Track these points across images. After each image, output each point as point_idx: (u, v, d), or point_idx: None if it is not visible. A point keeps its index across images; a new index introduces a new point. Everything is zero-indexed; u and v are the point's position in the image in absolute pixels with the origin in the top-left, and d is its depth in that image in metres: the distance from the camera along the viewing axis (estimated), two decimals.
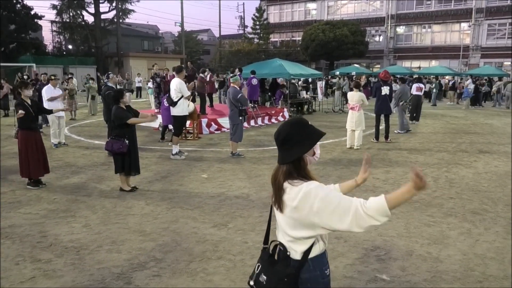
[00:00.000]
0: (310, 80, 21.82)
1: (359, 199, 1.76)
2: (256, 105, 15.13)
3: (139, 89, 26.26)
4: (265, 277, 1.99)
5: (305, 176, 1.89)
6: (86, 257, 4.06)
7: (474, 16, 34.38)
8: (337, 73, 31.21)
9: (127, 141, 6.01)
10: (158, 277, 3.69)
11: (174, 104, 8.42)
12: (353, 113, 9.49)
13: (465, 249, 4.29)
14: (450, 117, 16.90)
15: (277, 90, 17.42)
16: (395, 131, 11.96)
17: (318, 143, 1.98)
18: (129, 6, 39.57)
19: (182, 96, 8.39)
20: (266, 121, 14.42)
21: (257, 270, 2.04)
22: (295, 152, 1.88)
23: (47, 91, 9.66)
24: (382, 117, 10.57)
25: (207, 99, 14.58)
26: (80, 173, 7.43)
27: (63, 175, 7.28)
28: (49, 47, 39.71)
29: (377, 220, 1.72)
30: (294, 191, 1.85)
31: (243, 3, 66.35)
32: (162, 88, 13.19)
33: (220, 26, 46.20)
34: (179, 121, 8.61)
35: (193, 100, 12.21)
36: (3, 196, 6.08)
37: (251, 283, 2.05)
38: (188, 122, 11.27)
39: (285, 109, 15.99)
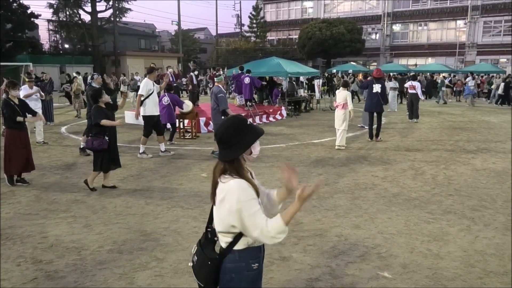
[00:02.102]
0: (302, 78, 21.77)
1: (266, 219, 1.92)
2: (253, 104, 15.13)
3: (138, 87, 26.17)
4: (196, 258, 2.17)
5: (238, 174, 2.00)
6: (88, 258, 4.06)
7: (470, 13, 34.48)
8: (334, 71, 31.26)
9: (107, 138, 6.10)
10: (160, 277, 3.70)
11: (141, 103, 8.60)
12: (338, 111, 9.46)
13: (465, 246, 4.31)
14: (447, 114, 16.96)
15: (274, 89, 17.42)
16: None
17: (257, 141, 2.07)
18: (125, 5, 39.42)
19: (148, 96, 8.47)
20: (264, 119, 14.42)
21: (193, 251, 2.23)
22: (230, 153, 2.00)
23: (24, 92, 9.45)
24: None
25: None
26: (79, 173, 7.41)
27: (62, 175, 7.27)
28: (46, 46, 39.50)
29: (277, 238, 1.92)
30: (221, 187, 1.99)
31: (240, 1, 66.35)
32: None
33: (217, 24, 45.79)
34: (145, 121, 8.67)
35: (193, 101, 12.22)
36: (2, 196, 6.06)
37: (190, 264, 2.24)
38: (186, 121, 11.30)
39: (283, 108, 16.00)
